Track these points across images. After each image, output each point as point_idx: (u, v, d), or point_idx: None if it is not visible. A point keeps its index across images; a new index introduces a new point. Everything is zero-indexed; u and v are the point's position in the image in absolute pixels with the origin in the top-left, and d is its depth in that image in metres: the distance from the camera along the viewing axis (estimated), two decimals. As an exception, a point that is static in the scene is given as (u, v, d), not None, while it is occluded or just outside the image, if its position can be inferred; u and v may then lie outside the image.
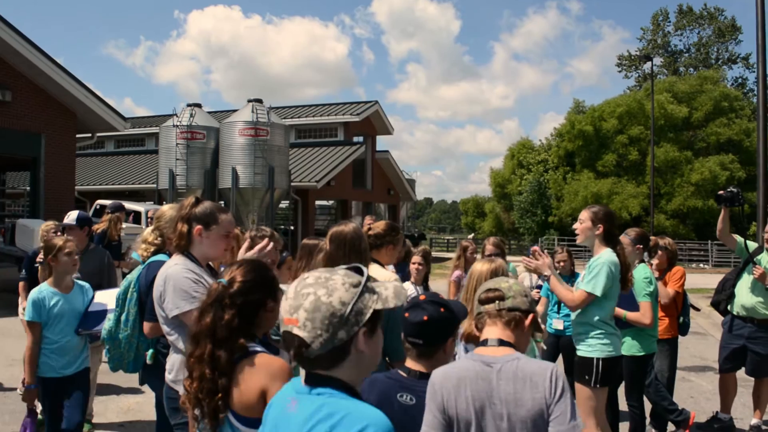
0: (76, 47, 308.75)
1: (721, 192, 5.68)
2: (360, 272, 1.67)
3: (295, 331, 1.57)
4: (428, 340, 2.41)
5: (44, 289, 4.49)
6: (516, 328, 2.30)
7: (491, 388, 2.11)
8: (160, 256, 3.66)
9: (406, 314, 2.45)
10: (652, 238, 5.86)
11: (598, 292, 4.23)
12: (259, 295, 2.32)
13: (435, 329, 2.38)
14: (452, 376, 2.15)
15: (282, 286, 2.51)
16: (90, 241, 6.15)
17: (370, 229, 4.15)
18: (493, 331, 2.26)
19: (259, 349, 2.26)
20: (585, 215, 4.48)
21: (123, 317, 3.85)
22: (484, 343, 2.24)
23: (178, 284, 3.10)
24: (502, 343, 2.22)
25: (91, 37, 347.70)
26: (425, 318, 2.37)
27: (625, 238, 5.25)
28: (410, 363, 2.48)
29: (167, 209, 4.19)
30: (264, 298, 2.33)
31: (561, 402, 2.09)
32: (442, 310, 2.40)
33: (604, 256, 4.31)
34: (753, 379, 6.19)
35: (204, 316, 2.26)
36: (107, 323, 4.18)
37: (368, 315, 1.60)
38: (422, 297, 2.50)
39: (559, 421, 2.07)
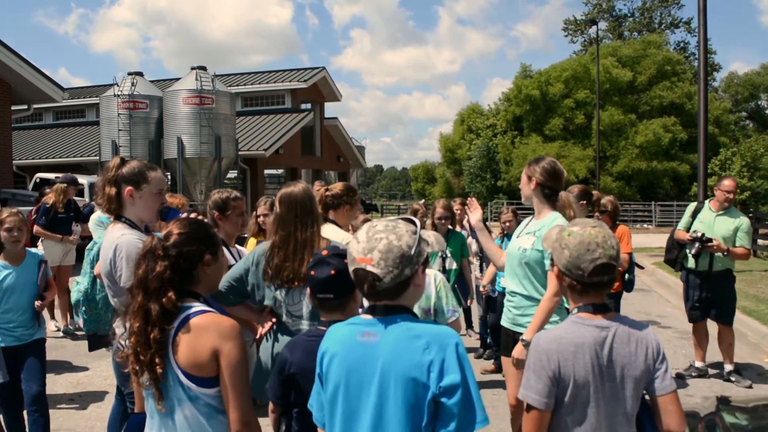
0: (2, 15, 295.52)
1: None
2: (413, 223, 2.02)
3: (369, 268, 1.92)
4: (338, 293, 2.45)
5: None
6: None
7: (609, 352, 2.16)
8: None
9: (312, 272, 2.48)
10: (594, 192, 6.01)
11: None
12: (196, 247, 2.26)
13: (343, 281, 2.32)
14: (568, 343, 2.17)
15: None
16: None
17: (327, 189, 4.11)
18: (597, 296, 2.26)
19: (206, 308, 2.22)
20: (523, 172, 4.11)
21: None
22: (587, 308, 2.24)
23: (131, 255, 3.00)
24: (606, 308, 2.26)
25: (17, 4, 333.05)
26: (333, 272, 2.42)
27: (569, 196, 5.36)
28: (325, 316, 2.54)
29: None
30: (201, 250, 2.27)
31: (664, 361, 2.23)
32: (346, 260, 2.34)
33: (556, 220, 3.81)
34: (668, 330, 6.44)
35: (137, 268, 2.23)
36: (82, 285, 4.06)
37: (424, 256, 1.99)
38: (324, 252, 2.51)
39: (663, 377, 2.20)
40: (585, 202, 5.58)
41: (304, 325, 3.18)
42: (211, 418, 2.16)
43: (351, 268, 1.99)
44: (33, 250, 4.77)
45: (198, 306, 2.21)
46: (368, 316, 1.99)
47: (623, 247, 5.93)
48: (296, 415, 2.53)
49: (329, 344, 2.05)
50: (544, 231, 3.51)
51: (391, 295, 1.95)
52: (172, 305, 2.15)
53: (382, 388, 1.89)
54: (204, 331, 2.13)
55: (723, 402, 2.47)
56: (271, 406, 2.67)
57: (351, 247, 1.99)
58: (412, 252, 1.93)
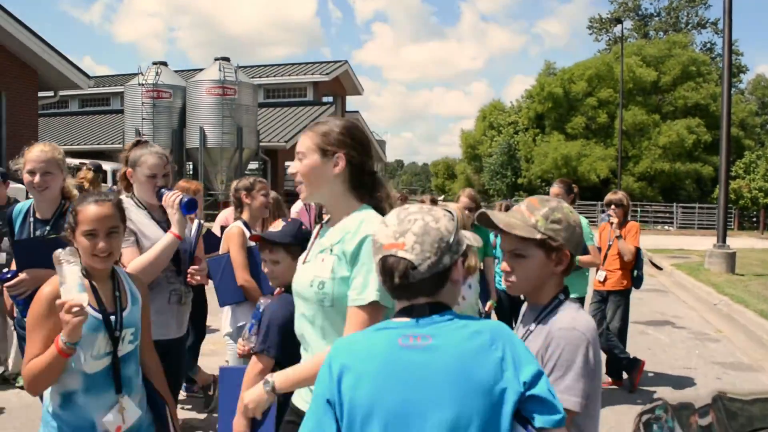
0: (28, 3, 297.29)
1: None
2: (449, 211, 1.74)
3: (401, 254, 1.60)
4: None
5: None
6: None
7: None
8: None
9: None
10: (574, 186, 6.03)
11: None
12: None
13: None
14: (594, 329, 1.94)
15: None
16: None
17: None
18: None
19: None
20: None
21: None
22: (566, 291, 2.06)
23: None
24: None
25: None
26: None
27: (560, 189, 5.64)
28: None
29: None
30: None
31: None
32: None
33: (364, 223, 2.29)
34: (682, 330, 6.39)
35: None
36: None
37: (464, 247, 1.68)
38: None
39: None
40: (572, 195, 5.74)
41: None
42: None
43: (377, 257, 1.67)
44: None
45: None
46: (403, 319, 1.64)
47: (632, 240, 5.96)
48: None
49: (347, 359, 1.61)
50: (351, 245, 2.14)
51: (428, 290, 1.63)
52: None
53: (454, 400, 1.52)
54: None
55: (721, 394, 2.48)
56: (261, 365, 2.52)
57: (378, 234, 1.69)
58: (452, 238, 1.64)
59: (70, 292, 2.19)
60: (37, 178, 3.34)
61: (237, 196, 4.45)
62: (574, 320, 1.91)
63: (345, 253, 2.13)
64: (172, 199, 3.16)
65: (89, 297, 2.34)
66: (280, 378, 2.16)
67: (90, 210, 2.39)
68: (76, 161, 18.47)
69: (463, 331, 1.58)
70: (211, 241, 4.53)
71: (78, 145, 27.82)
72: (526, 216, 1.96)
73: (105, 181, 16.19)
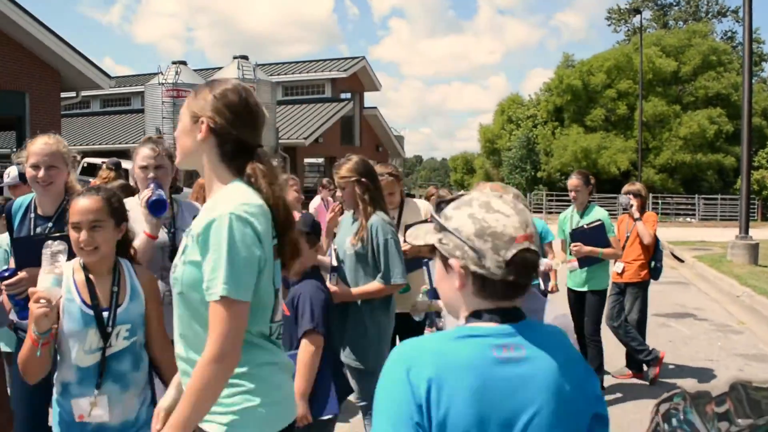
0: (48, 5, 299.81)
1: None
2: None
3: (533, 247, 1.39)
4: None
5: None
6: None
7: None
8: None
9: None
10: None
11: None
12: None
13: None
14: None
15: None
16: None
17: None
18: None
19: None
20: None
21: None
22: None
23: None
24: None
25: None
26: None
27: (578, 180, 5.69)
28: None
29: None
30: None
31: None
32: None
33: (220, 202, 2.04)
34: (704, 322, 6.36)
35: None
36: None
37: None
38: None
39: None
40: (590, 187, 5.81)
41: None
42: None
43: (507, 253, 1.36)
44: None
45: None
46: (489, 324, 1.40)
47: (649, 228, 5.98)
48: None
49: (434, 372, 1.34)
50: (199, 226, 1.88)
51: (524, 289, 1.43)
52: None
53: (554, 418, 1.37)
54: None
55: (738, 382, 2.51)
56: (315, 343, 2.90)
57: (499, 225, 1.38)
58: None
59: (43, 284, 2.23)
60: (41, 173, 3.12)
61: None
62: (559, 305, 1.96)
63: (194, 235, 1.86)
64: (142, 196, 3.02)
65: (84, 293, 2.39)
66: None
67: (76, 203, 2.42)
68: (97, 160, 18.74)
69: (546, 340, 1.42)
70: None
71: (100, 144, 28.17)
72: None
73: (126, 179, 16.35)
